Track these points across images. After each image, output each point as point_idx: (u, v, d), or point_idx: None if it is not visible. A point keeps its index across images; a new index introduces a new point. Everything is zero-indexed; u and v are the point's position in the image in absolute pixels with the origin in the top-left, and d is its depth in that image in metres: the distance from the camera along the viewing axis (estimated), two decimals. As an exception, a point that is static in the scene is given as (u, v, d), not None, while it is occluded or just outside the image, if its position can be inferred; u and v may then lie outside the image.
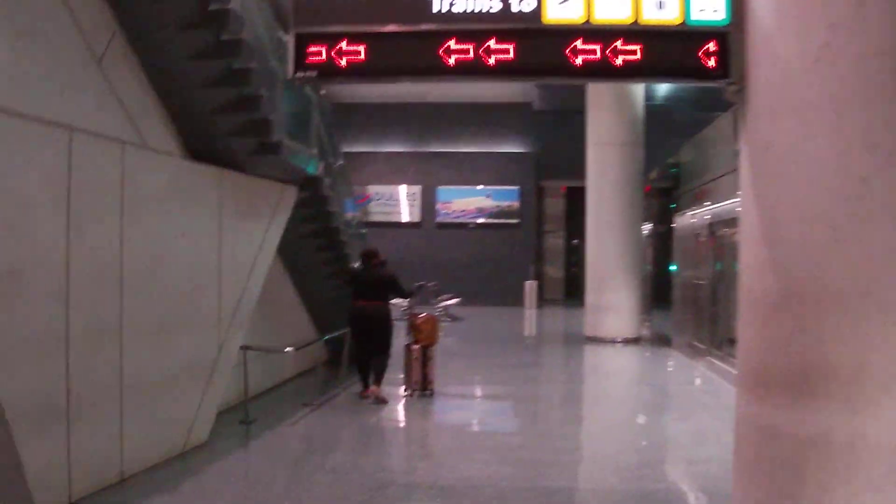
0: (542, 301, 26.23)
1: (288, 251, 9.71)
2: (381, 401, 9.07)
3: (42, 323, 4.77)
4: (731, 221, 12.00)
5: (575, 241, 28.75)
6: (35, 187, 4.71)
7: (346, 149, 27.06)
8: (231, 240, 7.19)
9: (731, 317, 11.88)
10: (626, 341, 15.51)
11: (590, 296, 16.14)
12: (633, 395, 10.57)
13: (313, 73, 4.34)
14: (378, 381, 9.18)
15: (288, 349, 8.84)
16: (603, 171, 15.77)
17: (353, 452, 7.39)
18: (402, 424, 9.05)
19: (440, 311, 20.03)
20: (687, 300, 14.62)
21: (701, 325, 13.89)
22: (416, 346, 9.31)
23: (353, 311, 9.20)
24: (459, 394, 10.22)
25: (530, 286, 25.10)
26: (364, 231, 12.54)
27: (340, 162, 10.34)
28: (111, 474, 5.65)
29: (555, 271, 28.97)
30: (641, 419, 9.10)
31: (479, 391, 10.82)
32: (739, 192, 4.01)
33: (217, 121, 6.69)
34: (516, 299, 25.09)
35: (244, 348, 7.98)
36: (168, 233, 6.28)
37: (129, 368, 5.69)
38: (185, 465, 6.53)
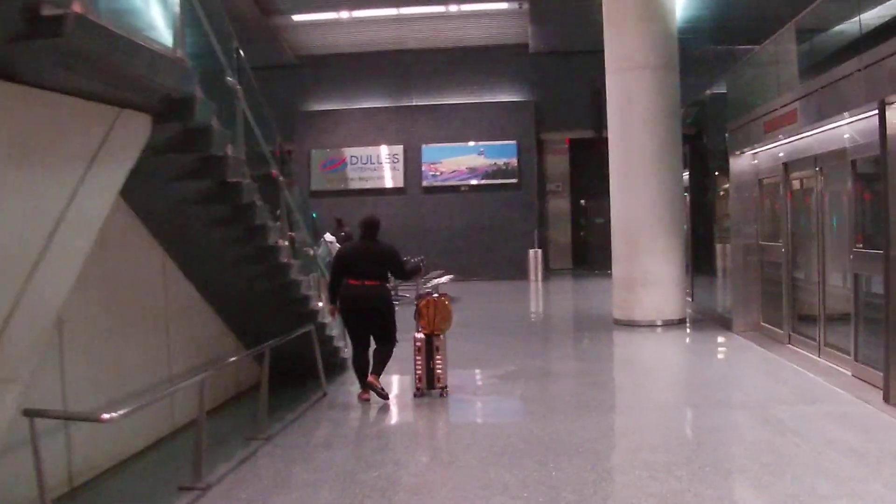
0: (548, 272, 22.86)
1: (170, 228, 6.13)
2: (381, 395, 7.63)
3: None
4: (826, 157, 8.53)
5: (582, 202, 25.61)
6: None
7: (316, 107, 24.19)
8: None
9: (836, 287, 8.50)
10: (668, 324, 12.02)
11: (618, 267, 12.61)
12: (740, 435, 6.35)
13: None
14: (378, 371, 7.70)
15: (109, 416, 4.41)
16: (629, 105, 12.18)
17: None
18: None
19: (428, 292, 16.58)
20: (750, 267, 11.14)
21: (774, 300, 10.46)
22: (418, 335, 7.87)
23: (346, 292, 7.64)
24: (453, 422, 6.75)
25: (535, 255, 21.77)
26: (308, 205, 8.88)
27: (242, 87, 6.47)
28: None
29: (561, 237, 25.43)
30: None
31: (471, 430, 7.23)
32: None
33: None
34: (519, 271, 21.99)
35: (31, 415, 4.34)
36: None
37: None
38: None
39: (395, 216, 22.14)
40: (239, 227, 6.10)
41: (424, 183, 23.13)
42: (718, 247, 13.33)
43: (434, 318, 7.86)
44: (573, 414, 7.23)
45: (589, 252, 25.76)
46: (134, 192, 5.25)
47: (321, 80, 23.87)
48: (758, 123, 10.12)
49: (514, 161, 22.88)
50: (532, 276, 21.65)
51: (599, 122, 23.56)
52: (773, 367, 8.83)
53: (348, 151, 23.29)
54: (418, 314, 7.95)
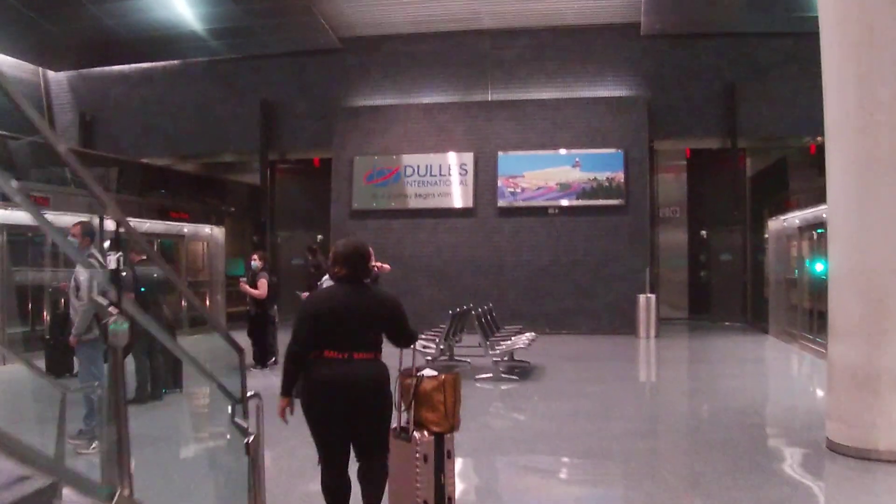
0: (659, 322, 17.37)
1: None
2: None
3: None
4: None
5: (703, 233, 20.67)
6: None
7: (363, 102, 19.31)
8: None
9: None
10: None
11: (842, 346, 6.93)
12: None
13: None
14: (378, 500, 5.01)
15: None
16: (868, 45, 6.58)
17: None
18: None
19: (500, 358, 11.22)
20: None
21: None
22: (422, 435, 5.10)
23: (321, 372, 4.77)
24: None
25: (646, 302, 16.46)
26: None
27: None
28: None
29: (676, 277, 20.38)
30: None
31: None
32: None
33: None
34: (624, 323, 16.98)
35: None
36: None
37: None
38: None
39: (460, 245, 18.05)
40: None
41: (501, 202, 18.43)
42: None
43: (452, 407, 5.30)
44: None
45: (711, 297, 20.55)
46: None
47: (370, 68, 19.92)
48: None
49: (619, 176, 17.84)
50: (642, 332, 16.48)
51: (733, 127, 18.45)
52: None
53: (403, 160, 18.86)
54: (415, 400, 5.33)
